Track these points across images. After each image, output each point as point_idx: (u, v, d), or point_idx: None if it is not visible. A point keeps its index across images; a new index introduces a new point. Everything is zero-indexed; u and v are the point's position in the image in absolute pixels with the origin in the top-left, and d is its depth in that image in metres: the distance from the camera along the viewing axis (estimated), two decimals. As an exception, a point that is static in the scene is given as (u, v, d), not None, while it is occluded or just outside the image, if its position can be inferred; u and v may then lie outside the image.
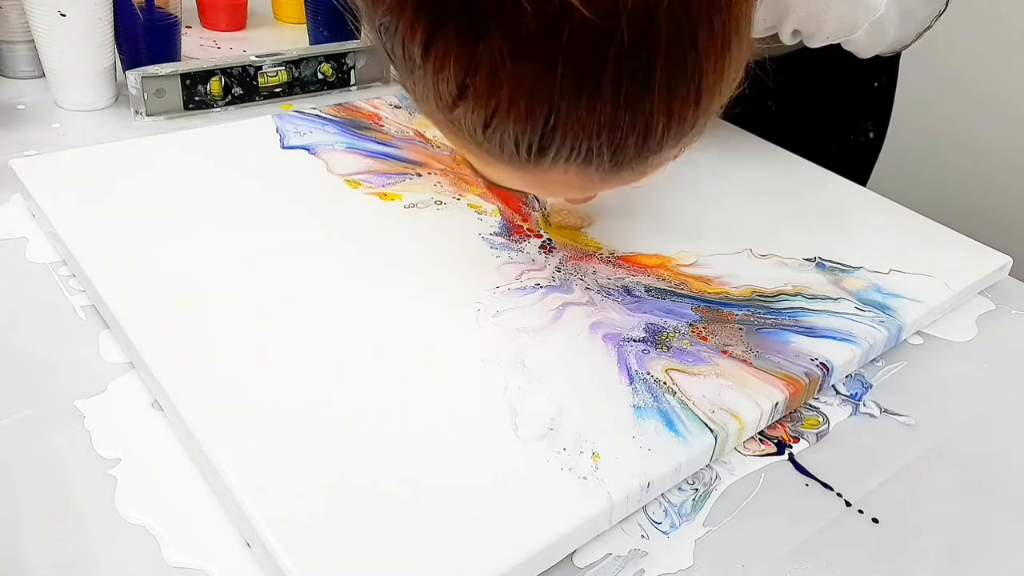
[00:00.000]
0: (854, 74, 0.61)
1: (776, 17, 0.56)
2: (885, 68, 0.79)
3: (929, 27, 0.58)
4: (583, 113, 0.31)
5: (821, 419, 0.46)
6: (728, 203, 0.61)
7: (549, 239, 0.55)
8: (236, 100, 0.71)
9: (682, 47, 0.31)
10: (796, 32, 0.57)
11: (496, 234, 0.55)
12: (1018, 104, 1.28)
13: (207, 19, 0.89)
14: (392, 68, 0.36)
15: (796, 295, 0.52)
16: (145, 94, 0.67)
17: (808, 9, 0.54)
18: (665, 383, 0.44)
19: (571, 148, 0.33)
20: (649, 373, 0.44)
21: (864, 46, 0.58)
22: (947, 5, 0.58)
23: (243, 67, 0.71)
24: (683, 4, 0.30)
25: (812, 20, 0.56)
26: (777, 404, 0.44)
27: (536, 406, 0.41)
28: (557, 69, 0.30)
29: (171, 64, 0.69)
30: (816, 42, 0.58)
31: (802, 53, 0.60)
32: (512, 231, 0.55)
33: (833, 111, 0.81)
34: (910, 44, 0.59)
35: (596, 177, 0.36)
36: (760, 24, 0.34)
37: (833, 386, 0.49)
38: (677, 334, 0.47)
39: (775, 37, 0.57)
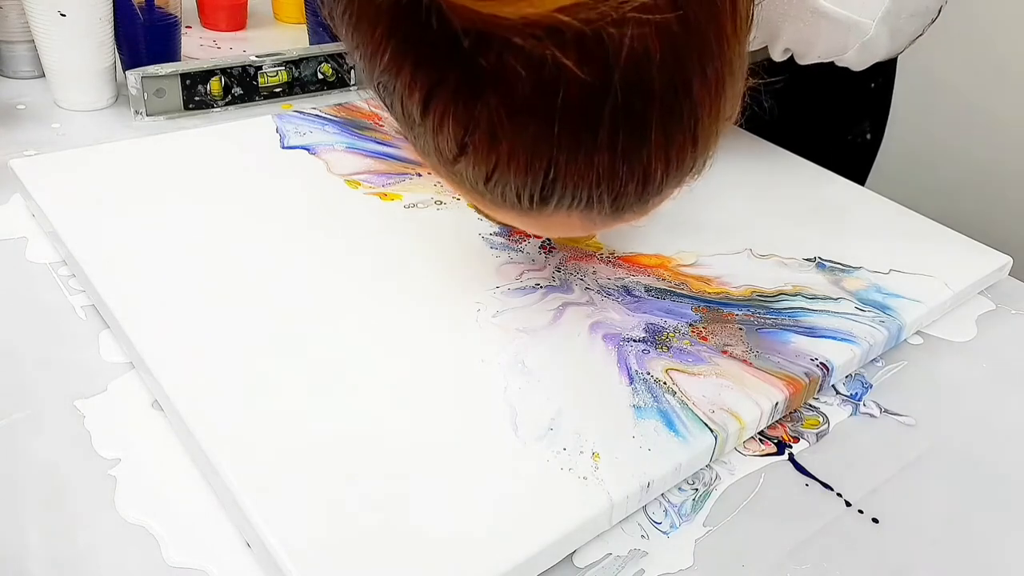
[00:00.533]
0: (851, 75, 0.61)
1: (767, 37, 0.56)
2: (882, 69, 0.79)
3: (921, 34, 0.58)
4: (581, 165, 0.31)
5: (821, 419, 0.46)
6: (728, 203, 0.61)
7: (549, 239, 0.55)
8: (236, 100, 0.71)
9: (676, 97, 0.31)
10: (787, 50, 0.57)
11: (496, 234, 0.55)
12: (1017, 104, 1.28)
13: (207, 19, 0.89)
14: (394, 121, 0.36)
15: (796, 295, 0.52)
16: (145, 94, 0.67)
17: (798, 32, 0.55)
18: (665, 383, 0.44)
19: (572, 197, 0.33)
20: (649, 373, 0.44)
21: (856, 63, 0.58)
22: (939, 13, 0.58)
23: (243, 67, 0.71)
24: (675, 57, 0.30)
25: (803, 42, 0.56)
26: (777, 404, 0.44)
27: (536, 406, 0.41)
28: (554, 127, 0.30)
29: (171, 64, 0.69)
30: (807, 60, 0.58)
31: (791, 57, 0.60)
32: (512, 231, 0.55)
33: (831, 112, 0.81)
34: (903, 51, 0.59)
35: (599, 220, 0.36)
36: (751, 43, 0.34)
37: (833, 386, 0.49)
38: (677, 334, 0.47)
39: (765, 50, 0.57)
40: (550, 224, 0.37)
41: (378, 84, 0.33)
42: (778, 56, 0.57)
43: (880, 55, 0.57)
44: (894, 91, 0.84)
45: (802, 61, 0.58)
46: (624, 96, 0.29)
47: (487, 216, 0.41)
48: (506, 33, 0.28)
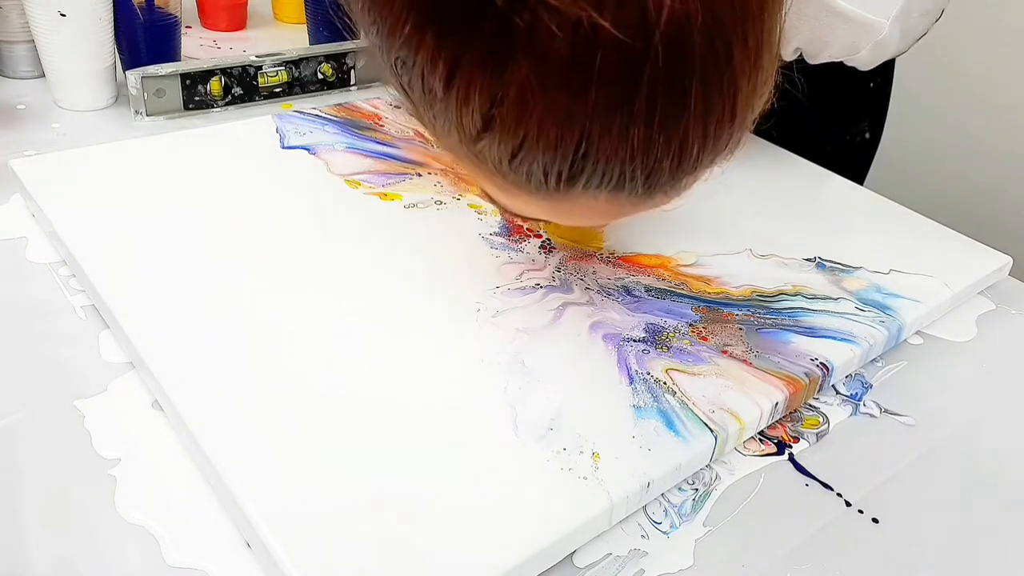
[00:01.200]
0: (850, 75, 0.61)
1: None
2: (881, 69, 0.79)
3: (925, 33, 0.58)
4: (616, 138, 0.30)
5: (821, 419, 0.46)
6: (728, 203, 0.61)
7: (549, 239, 0.55)
8: (236, 100, 0.71)
9: (717, 63, 0.30)
10: (797, 49, 0.57)
11: (496, 234, 0.55)
12: (1017, 103, 1.28)
13: (207, 19, 0.89)
14: (408, 103, 0.35)
15: (796, 295, 0.52)
16: (145, 94, 0.67)
17: (812, 31, 0.54)
18: (665, 383, 0.44)
19: (603, 174, 0.32)
20: (649, 373, 0.44)
21: (866, 63, 0.58)
22: (942, 13, 0.58)
23: (243, 67, 0.71)
24: (717, 19, 0.29)
25: (816, 41, 0.56)
26: (777, 404, 0.44)
27: (536, 406, 0.41)
28: (589, 94, 0.29)
29: (171, 64, 0.69)
30: (818, 60, 0.58)
31: (799, 56, 0.60)
32: (512, 231, 0.55)
33: (830, 112, 0.81)
34: (907, 50, 0.60)
35: (627, 202, 0.35)
36: None
37: (833, 386, 0.49)
38: (677, 334, 0.47)
39: None
40: (573, 208, 0.36)
41: (396, 60, 0.32)
42: (789, 55, 0.57)
43: (889, 54, 0.57)
44: (892, 90, 0.84)
45: (813, 61, 0.58)
46: (664, 60, 0.28)
47: (501, 207, 0.40)
48: None
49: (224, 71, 0.70)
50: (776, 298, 0.52)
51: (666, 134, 0.31)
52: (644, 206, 0.36)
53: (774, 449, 0.44)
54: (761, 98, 0.33)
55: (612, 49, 0.28)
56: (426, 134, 0.36)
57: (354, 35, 0.35)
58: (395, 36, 0.31)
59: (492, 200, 0.40)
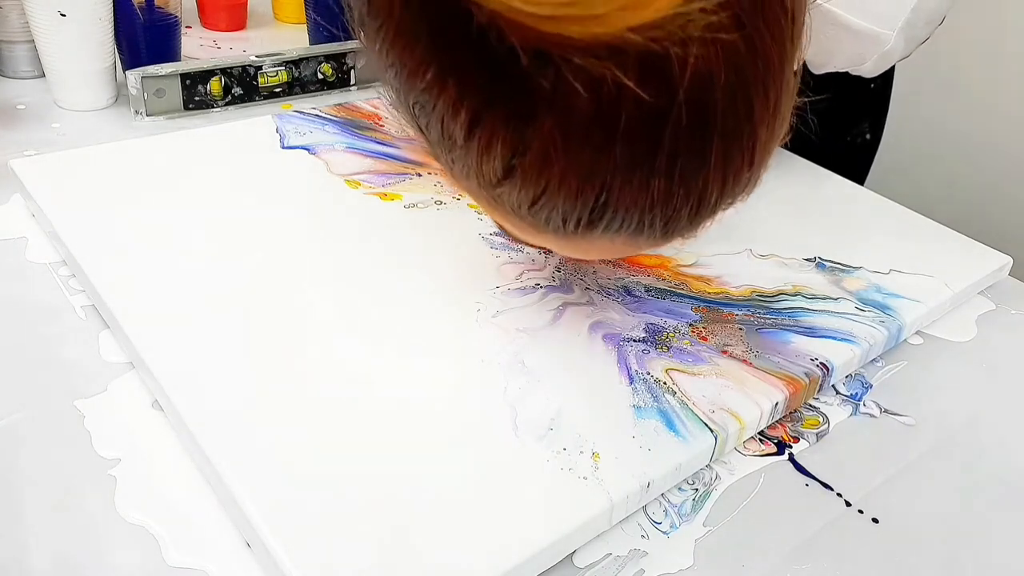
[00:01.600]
0: (850, 76, 0.61)
1: None
2: None
3: (927, 38, 0.58)
4: (636, 190, 0.30)
5: (821, 419, 0.46)
6: (728, 203, 0.61)
7: (549, 239, 0.55)
8: (236, 100, 0.71)
9: (738, 118, 0.30)
10: (802, 60, 0.57)
11: (496, 234, 0.55)
12: (1016, 103, 1.28)
13: (207, 19, 0.89)
14: (425, 144, 0.34)
15: (796, 295, 0.52)
16: (145, 94, 0.67)
17: (818, 44, 0.54)
18: (665, 383, 0.44)
19: (621, 221, 0.32)
20: (649, 373, 0.44)
21: (870, 72, 0.58)
22: (943, 19, 0.58)
23: (243, 67, 0.71)
24: (739, 76, 0.29)
25: (822, 54, 0.56)
26: (777, 404, 0.44)
27: (536, 406, 0.41)
28: (611, 150, 0.29)
29: (171, 64, 0.69)
30: (824, 71, 0.58)
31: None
32: (512, 231, 0.55)
33: (830, 112, 0.81)
34: (910, 55, 0.60)
35: (644, 244, 0.35)
36: None
37: (833, 386, 0.49)
38: (677, 334, 0.47)
39: None
40: (590, 247, 0.36)
41: (414, 104, 0.32)
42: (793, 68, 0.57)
43: (893, 62, 0.57)
44: (892, 91, 0.84)
45: (818, 71, 0.58)
46: (687, 118, 0.28)
47: (512, 236, 0.40)
48: (566, 53, 0.27)
49: (224, 71, 0.70)
50: (776, 298, 0.52)
51: (686, 186, 0.31)
52: (662, 245, 0.36)
53: (774, 449, 0.44)
54: (779, 140, 0.33)
55: (635, 107, 0.28)
56: (440, 171, 0.36)
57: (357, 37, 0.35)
58: (415, 82, 0.31)
59: (504, 229, 0.40)
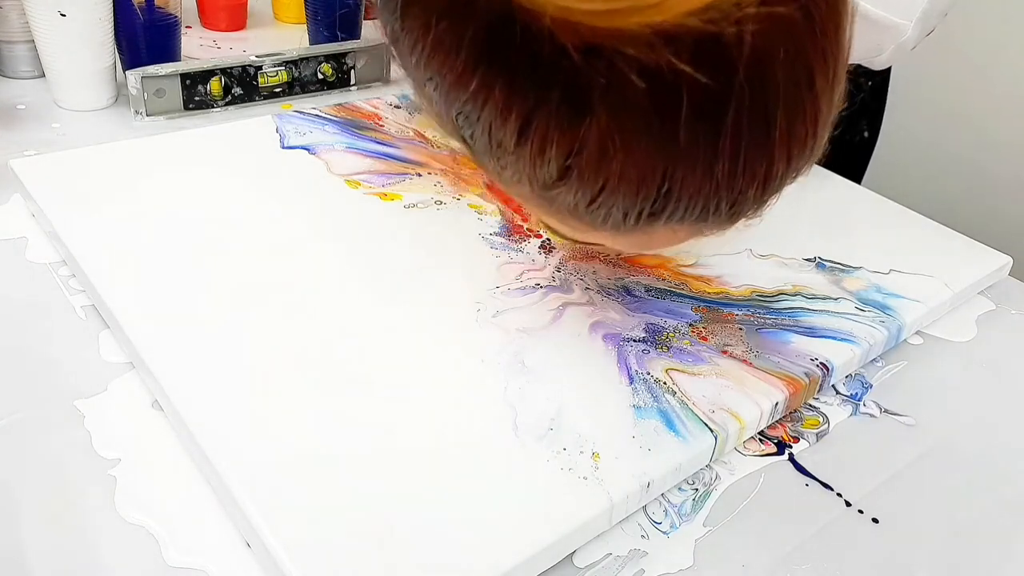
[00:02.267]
0: (848, 74, 0.61)
1: None
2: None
3: (932, 30, 0.58)
4: (700, 176, 0.30)
5: (821, 419, 0.46)
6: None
7: (549, 239, 0.55)
8: (236, 100, 0.71)
9: (799, 91, 0.29)
10: None
11: (496, 234, 0.55)
12: (1017, 102, 1.28)
13: (207, 19, 0.89)
14: (469, 153, 0.34)
15: (796, 295, 0.52)
16: (145, 94, 0.67)
17: None
18: (665, 383, 0.44)
19: (685, 210, 0.31)
20: (649, 373, 0.44)
21: (884, 64, 0.58)
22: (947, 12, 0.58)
23: (243, 67, 0.71)
24: (798, 48, 0.28)
25: None
26: (777, 404, 0.44)
27: (536, 406, 0.41)
28: (672, 139, 0.28)
29: (171, 64, 0.68)
30: None
31: None
32: (512, 231, 0.55)
33: None
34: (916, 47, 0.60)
35: (709, 230, 0.34)
36: None
37: (833, 386, 0.49)
38: (677, 334, 0.47)
39: None
40: (650, 240, 0.35)
41: (458, 115, 0.31)
42: None
43: (906, 54, 0.57)
44: (890, 89, 0.84)
45: None
46: (748, 97, 0.28)
47: (558, 233, 0.39)
48: (619, 45, 0.26)
49: (224, 71, 0.70)
50: (776, 298, 0.52)
51: (751, 166, 0.30)
52: (726, 229, 0.35)
53: (774, 449, 0.44)
54: (838, 108, 0.33)
55: (695, 92, 0.27)
56: (487, 175, 0.35)
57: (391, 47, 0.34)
58: (458, 92, 0.30)
59: (553, 230, 0.39)
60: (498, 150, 0.31)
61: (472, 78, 0.29)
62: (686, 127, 0.28)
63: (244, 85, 0.71)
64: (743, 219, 0.34)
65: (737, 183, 0.30)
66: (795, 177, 0.33)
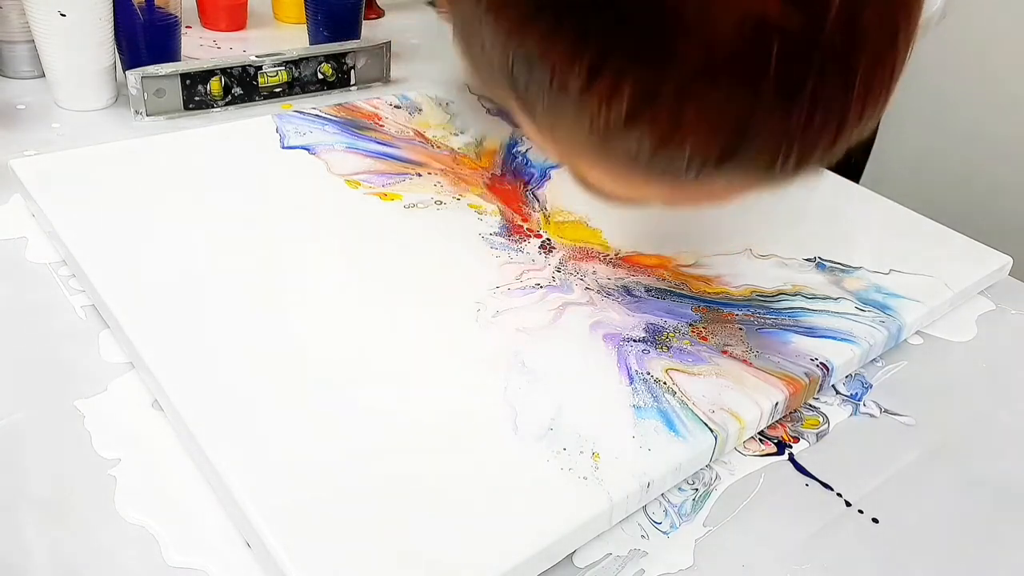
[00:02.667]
0: None
1: None
2: None
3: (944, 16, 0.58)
4: (776, 123, 0.29)
5: (821, 419, 0.46)
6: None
7: (549, 239, 0.55)
8: (236, 100, 0.71)
9: (884, 42, 0.29)
10: None
11: (496, 234, 0.55)
12: (1017, 101, 1.28)
13: (207, 19, 0.89)
14: (512, 98, 0.32)
15: (796, 295, 0.52)
16: (145, 94, 0.67)
17: None
18: (665, 383, 0.44)
19: (753, 160, 0.30)
20: (649, 373, 0.44)
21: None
22: None
23: (243, 67, 0.71)
24: (887, 2, 0.28)
25: None
26: (777, 404, 0.44)
27: (536, 406, 0.41)
28: (753, 84, 0.27)
29: (171, 64, 0.69)
30: None
31: None
32: (512, 231, 0.55)
33: None
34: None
35: (768, 185, 0.33)
36: None
37: (833, 386, 0.49)
38: (677, 334, 0.47)
39: None
40: (702, 194, 0.34)
41: (514, 59, 0.30)
42: None
43: (928, 32, 0.56)
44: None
45: None
46: (835, 45, 0.27)
47: (597, 191, 0.37)
48: None
49: (224, 71, 0.70)
50: (776, 298, 0.52)
51: (827, 115, 0.29)
52: (783, 186, 0.34)
53: (774, 449, 0.44)
54: (907, 65, 0.32)
55: (782, 39, 0.26)
56: (523, 124, 0.33)
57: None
58: (519, 36, 0.29)
59: (589, 185, 0.37)
60: (559, 95, 0.30)
61: (537, 19, 0.28)
62: (770, 71, 0.27)
63: (244, 85, 0.71)
64: (803, 176, 0.33)
65: (810, 133, 0.30)
66: (860, 134, 0.32)
